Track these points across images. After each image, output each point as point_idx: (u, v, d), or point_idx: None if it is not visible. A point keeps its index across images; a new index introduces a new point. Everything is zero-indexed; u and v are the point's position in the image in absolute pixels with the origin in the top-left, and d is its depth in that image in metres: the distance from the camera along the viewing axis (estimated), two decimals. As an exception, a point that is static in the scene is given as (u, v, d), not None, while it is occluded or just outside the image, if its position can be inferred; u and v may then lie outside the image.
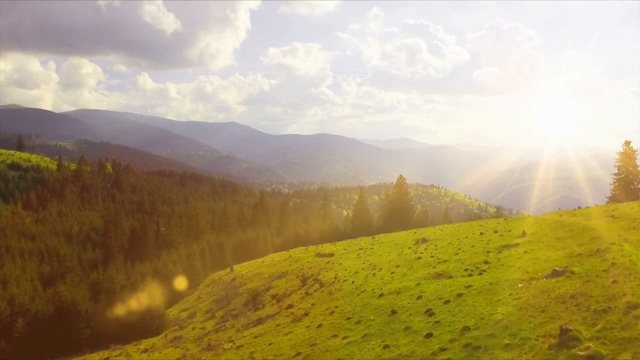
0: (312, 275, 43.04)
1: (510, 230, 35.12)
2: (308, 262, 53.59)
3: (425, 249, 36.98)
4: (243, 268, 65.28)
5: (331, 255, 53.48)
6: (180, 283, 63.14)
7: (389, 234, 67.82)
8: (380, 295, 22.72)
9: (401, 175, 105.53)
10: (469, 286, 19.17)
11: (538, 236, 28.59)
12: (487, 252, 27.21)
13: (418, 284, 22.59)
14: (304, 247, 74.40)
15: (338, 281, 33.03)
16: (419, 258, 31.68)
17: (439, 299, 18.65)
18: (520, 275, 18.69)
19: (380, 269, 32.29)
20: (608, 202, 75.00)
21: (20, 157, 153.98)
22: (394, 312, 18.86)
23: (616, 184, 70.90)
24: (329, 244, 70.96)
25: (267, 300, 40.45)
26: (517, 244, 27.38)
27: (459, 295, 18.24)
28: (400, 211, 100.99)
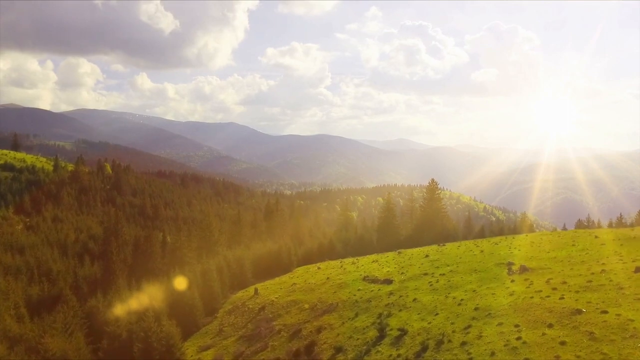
0: (380, 315, 32.80)
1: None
2: (359, 290, 43.23)
3: (552, 288, 26.68)
4: (269, 291, 54.91)
5: (388, 282, 43.05)
6: (197, 309, 52.91)
7: (440, 249, 57.48)
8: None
9: (433, 179, 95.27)
10: None
11: None
12: None
13: None
14: (336, 262, 64.06)
15: (450, 342, 22.75)
16: (578, 312, 21.39)
17: None
18: None
19: (518, 326, 21.92)
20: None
21: (15, 157, 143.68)
22: None
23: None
24: (368, 259, 60.47)
25: (329, 353, 30.06)
26: None
27: None
28: (431, 219, 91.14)
